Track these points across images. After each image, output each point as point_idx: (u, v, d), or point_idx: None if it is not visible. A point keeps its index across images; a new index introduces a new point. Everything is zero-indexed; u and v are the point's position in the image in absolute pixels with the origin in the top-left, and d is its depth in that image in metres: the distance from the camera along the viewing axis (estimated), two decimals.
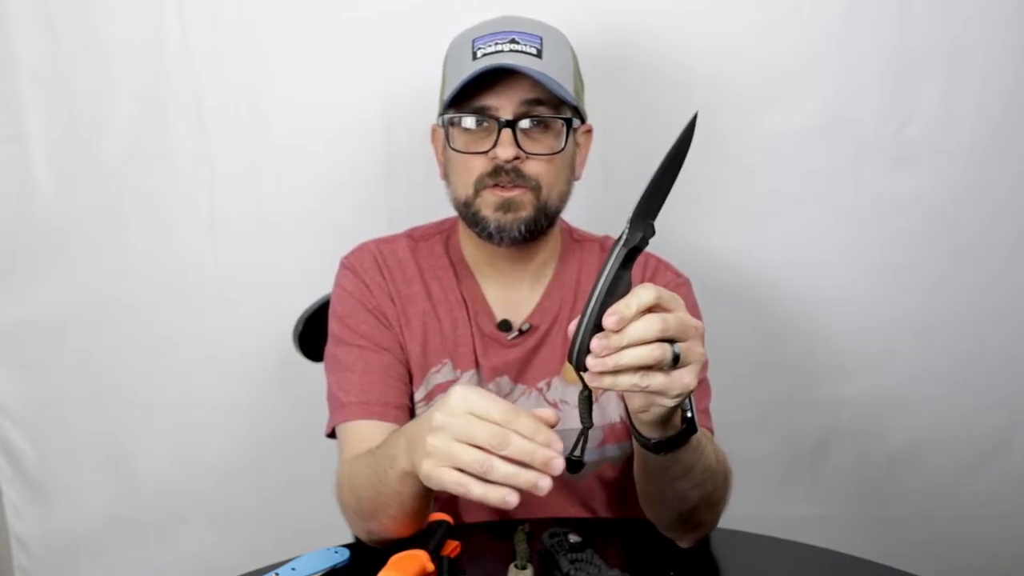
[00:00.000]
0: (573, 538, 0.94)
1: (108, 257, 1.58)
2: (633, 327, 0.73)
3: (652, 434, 0.85)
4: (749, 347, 1.61)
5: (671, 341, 0.74)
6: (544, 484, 0.74)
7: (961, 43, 1.51)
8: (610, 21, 1.49)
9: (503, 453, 0.74)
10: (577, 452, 0.79)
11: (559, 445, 0.74)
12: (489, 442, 0.74)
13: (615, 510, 1.19)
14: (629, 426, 0.88)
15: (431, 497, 0.94)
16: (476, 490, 0.76)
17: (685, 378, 0.76)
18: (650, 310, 0.74)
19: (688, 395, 0.79)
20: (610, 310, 0.73)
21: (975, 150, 1.55)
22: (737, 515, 1.05)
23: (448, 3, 1.42)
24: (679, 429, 0.84)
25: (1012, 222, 1.58)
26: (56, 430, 1.65)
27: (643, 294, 0.74)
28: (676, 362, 0.75)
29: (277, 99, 1.53)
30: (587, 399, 0.79)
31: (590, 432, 0.80)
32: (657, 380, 0.75)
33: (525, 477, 0.74)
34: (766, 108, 1.53)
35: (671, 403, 0.78)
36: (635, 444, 0.90)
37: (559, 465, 0.74)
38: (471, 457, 0.75)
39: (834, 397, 1.65)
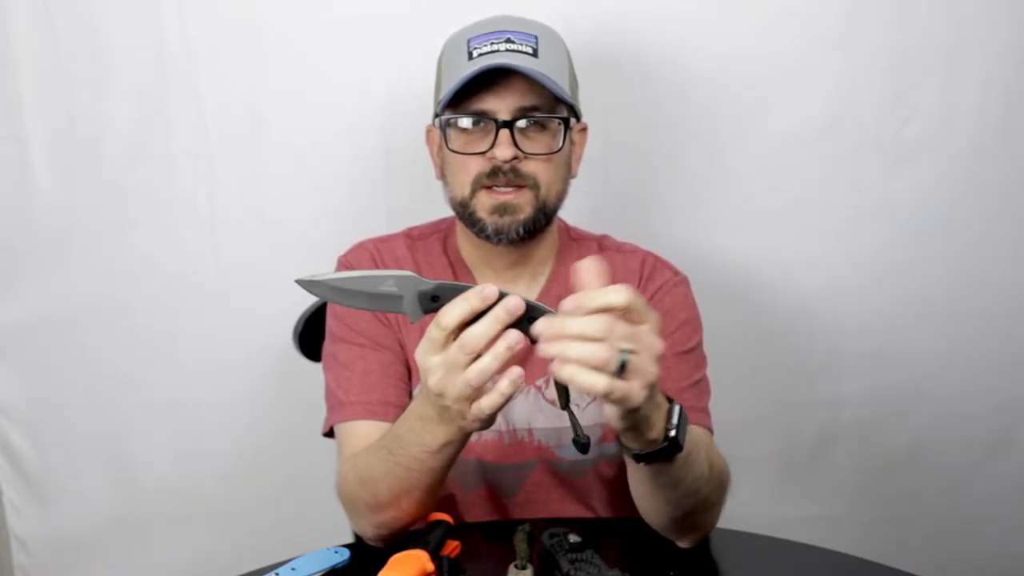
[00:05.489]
0: (573, 538, 0.94)
1: (108, 257, 1.58)
2: (575, 321, 0.72)
3: (631, 444, 0.84)
4: (749, 347, 1.60)
5: (628, 350, 0.73)
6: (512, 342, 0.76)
7: (961, 43, 1.51)
8: (610, 21, 1.49)
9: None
10: (579, 433, 0.82)
11: (516, 301, 0.75)
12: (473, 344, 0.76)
13: (614, 507, 1.18)
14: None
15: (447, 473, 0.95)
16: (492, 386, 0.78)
17: (628, 388, 0.74)
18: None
19: (638, 408, 0.77)
20: (573, 296, 0.73)
21: (975, 150, 1.55)
22: (737, 515, 1.05)
23: (449, 3, 1.42)
24: (660, 446, 0.83)
25: (1013, 222, 1.58)
26: (56, 430, 1.65)
27: (616, 293, 0.73)
28: (623, 370, 0.73)
29: (277, 99, 1.53)
30: (563, 388, 0.80)
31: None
32: (597, 381, 0.72)
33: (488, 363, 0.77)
34: (766, 108, 1.53)
35: (613, 410, 0.77)
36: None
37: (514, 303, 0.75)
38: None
39: (834, 397, 1.65)
